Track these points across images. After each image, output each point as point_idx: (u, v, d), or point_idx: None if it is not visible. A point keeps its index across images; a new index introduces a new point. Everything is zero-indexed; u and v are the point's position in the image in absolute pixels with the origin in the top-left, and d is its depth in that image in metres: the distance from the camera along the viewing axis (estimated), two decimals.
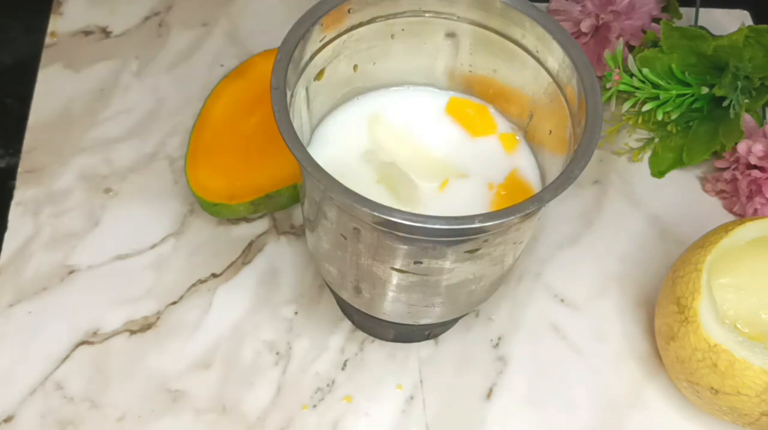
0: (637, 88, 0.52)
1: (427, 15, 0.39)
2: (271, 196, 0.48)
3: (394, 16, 0.39)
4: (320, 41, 0.37)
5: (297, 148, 0.32)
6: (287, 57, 0.35)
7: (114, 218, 0.49)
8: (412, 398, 0.44)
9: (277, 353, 0.45)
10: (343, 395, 0.44)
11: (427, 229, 0.31)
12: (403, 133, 0.41)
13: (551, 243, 0.50)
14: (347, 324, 0.46)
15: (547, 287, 0.49)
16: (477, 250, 0.34)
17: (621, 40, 0.53)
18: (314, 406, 0.43)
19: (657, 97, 0.52)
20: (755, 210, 0.50)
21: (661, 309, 0.43)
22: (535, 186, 0.40)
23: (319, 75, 0.39)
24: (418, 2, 0.39)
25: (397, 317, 0.40)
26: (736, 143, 0.51)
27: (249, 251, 0.49)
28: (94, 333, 0.45)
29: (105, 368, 0.44)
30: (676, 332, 0.41)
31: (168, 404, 0.43)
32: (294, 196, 0.49)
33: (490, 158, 0.41)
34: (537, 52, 0.38)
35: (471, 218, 0.30)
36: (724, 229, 0.42)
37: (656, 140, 0.54)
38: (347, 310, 0.46)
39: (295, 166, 0.34)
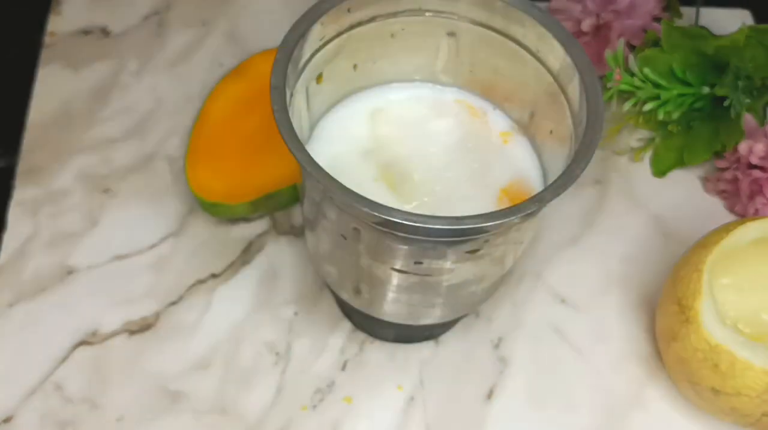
0: (638, 88, 0.52)
1: (427, 14, 0.39)
2: (271, 196, 0.47)
3: (394, 15, 0.39)
4: (320, 40, 0.37)
5: (297, 148, 0.32)
6: (287, 56, 0.34)
7: (113, 218, 0.49)
8: (412, 398, 0.44)
9: (277, 354, 0.45)
10: (343, 395, 0.44)
11: (427, 229, 0.31)
12: (403, 131, 0.41)
13: (552, 243, 0.50)
14: (347, 324, 0.46)
15: (548, 287, 0.48)
16: (477, 250, 0.34)
17: (622, 39, 0.53)
18: (314, 407, 0.43)
19: (658, 97, 0.52)
20: (756, 210, 0.50)
21: (662, 309, 0.43)
22: (536, 186, 0.40)
23: (320, 75, 0.39)
24: (418, 1, 0.39)
25: (397, 318, 0.40)
26: (737, 143, 0.50)
27: (248, 251, 0.48)
28: (94, 333, 0.45)
29: (104, 369, 0.44)
30: (677, 333, 0.41)
31: (168, 405, 0.43)
32: (294, 196, 0.49)
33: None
34: (538, 51, 0.38)
35: (471, 218, 0.30)
36: (725, 229, 0.42)
37: (657, 140, 0.54)
38: (347, 310, 0.45)
39: (295, 166, 0.33)
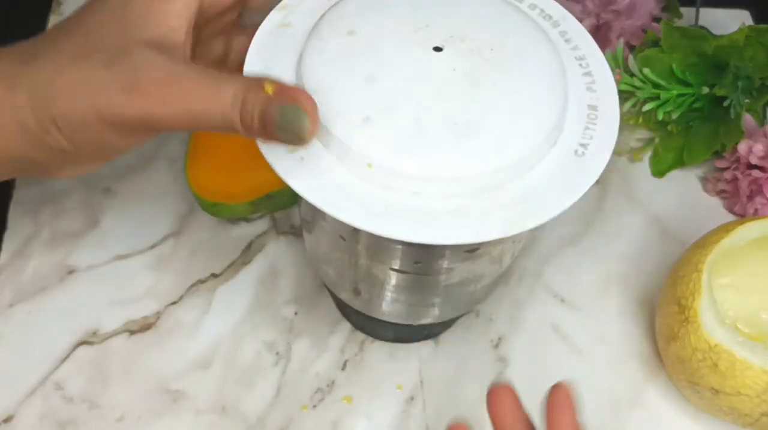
0: (637, 88, 0.52)
1: None
2: (271, 197, 0.47)
3: None
4: None
5: None
6: None
7: (113, 217, 0.49)
8: (412, 398, 0.44)
9: (277, 353, 0.45)
10: (342, 395, 0.44)
11: None
12: None
13: (551, 243, 0.50)
14: (347, 324, 0.46)
15: (548, 287, 0.49)
16: (476, 249, 0.34)
17: (621, 39, 0.53)
18: (314, 406, 0.43)
19: (658, 97, 0.52)
20: (756, 210, 0.50)
21: (662, 309, 0.43)
22: None
23: None
24: None
25: (396, 318, 0.40)
26: (736, 143, 0.51)
27: (249, 251, 0.48)
28: (94, 333, 0.45)
29: (105, 368, 0.44)
30: (676, 333, 0.41)
31: (168, 404, 0.43)
32: (294, 196, 0.48)
33: None
34: None
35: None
36: (725, 229, 0.42)
37: (657, 140, 0.54)
38: (346, 311, 0.45)
39: None
